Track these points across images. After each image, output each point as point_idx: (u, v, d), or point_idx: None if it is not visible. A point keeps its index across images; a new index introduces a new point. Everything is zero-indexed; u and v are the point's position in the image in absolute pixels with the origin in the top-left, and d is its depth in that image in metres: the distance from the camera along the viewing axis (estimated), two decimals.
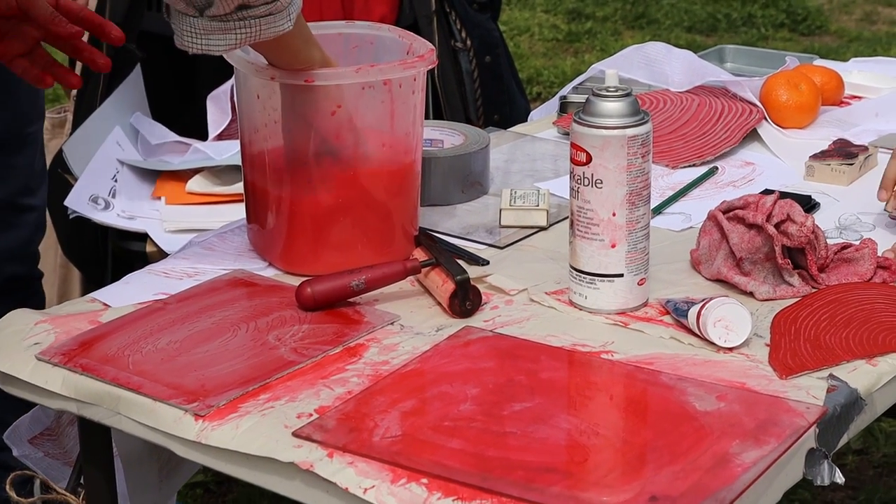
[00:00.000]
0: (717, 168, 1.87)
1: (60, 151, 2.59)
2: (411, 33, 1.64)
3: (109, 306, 1.51)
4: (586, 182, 1.46)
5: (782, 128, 2.00)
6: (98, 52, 1.51)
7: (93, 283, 2.71)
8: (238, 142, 2.68)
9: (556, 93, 4.72)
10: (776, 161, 1.91)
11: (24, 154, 2.35)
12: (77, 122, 2.68)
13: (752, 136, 1.98)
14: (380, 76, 1.52)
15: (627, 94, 1.46)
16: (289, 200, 1.56)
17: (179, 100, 2.86)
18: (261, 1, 1.39)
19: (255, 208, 1.61)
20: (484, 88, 2.83)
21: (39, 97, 2.39)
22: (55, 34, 1.48)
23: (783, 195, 1.58)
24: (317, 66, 1.50)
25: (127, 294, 1.53)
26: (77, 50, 1.51)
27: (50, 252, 2.72)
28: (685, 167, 1.88)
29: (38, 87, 1.51)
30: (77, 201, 2.48)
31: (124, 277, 1.59)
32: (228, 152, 2.67)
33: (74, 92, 2.73)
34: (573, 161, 1.47)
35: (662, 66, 2.12)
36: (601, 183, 1.45)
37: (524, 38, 5.08)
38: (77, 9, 1.50)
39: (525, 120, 2.92)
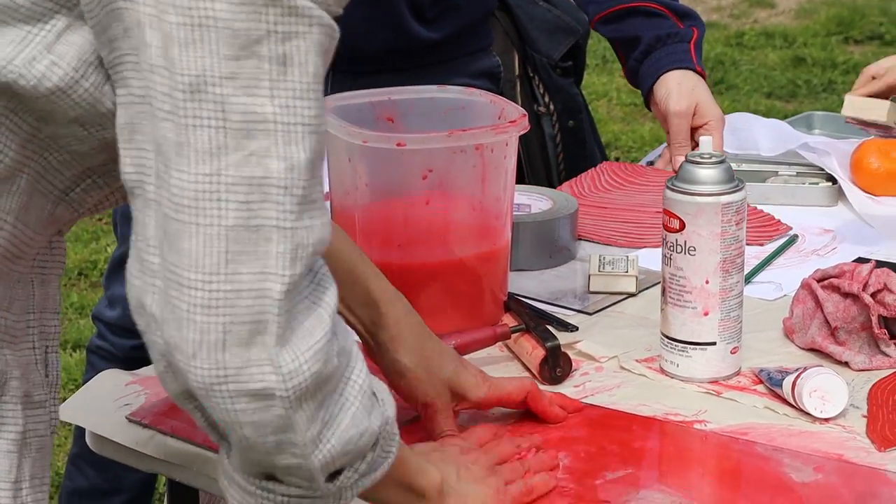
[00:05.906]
0: (797, 236, 1.85)
1: None
2: (503, 98, 1.64)
3: None
4: (679, 249, 1.45)
5: (873, 195, 1.98)
6: None
7: None
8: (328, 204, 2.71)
9: (634, 158, 4.71)
10: (854, 228, 1.88)
11: None
12: None
13: (828, 202, 1.96)
14: (472, 140, 1.52)
15: (721, 161, 1.44)
16: (377, 264, 1.55)
17: None
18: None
19: None
20: (567, 153, 2.82)
21: None
22: None
23: (879, 264, 1.56)
24: None
25: None
26: None
27: None
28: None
29: None
30: None
31: None
32: None
33: None
34: (666, 228, 1.46)
35: (750, 133, 2.11)
36: (694, 250, 1.44)
37: (602, 103, 5.08)
38: None
39: None
